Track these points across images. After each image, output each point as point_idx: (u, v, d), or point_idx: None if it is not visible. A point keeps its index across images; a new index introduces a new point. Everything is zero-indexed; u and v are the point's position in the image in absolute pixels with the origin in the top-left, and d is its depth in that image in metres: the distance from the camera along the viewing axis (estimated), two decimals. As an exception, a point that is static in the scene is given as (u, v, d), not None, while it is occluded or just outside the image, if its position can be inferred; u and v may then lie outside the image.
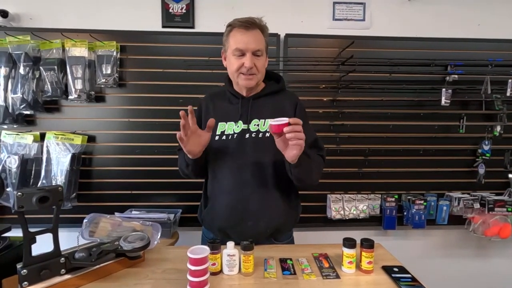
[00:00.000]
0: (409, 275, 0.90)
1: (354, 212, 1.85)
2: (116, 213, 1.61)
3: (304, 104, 1.15)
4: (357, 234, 1.88)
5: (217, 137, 1.07)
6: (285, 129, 0.84)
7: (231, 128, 1.07)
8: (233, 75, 1.06)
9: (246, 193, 1.05)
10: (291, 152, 0.90)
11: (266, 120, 1.06)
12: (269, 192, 1.07)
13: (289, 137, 0.86)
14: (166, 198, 1.84)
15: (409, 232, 1.97)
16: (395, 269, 0.93)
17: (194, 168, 1.06)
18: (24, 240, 0.73)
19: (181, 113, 0.89)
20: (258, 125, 1.07)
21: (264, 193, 1.06)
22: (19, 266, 0.73)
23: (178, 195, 1.84)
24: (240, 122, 1.07)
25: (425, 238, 1.99)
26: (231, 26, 1.04)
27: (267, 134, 1.06)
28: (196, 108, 1.14)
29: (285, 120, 0.85)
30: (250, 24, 1.01)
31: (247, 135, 1.06)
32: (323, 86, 1.84)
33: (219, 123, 1.08)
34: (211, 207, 1.11)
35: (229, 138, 1.07)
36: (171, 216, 1.65)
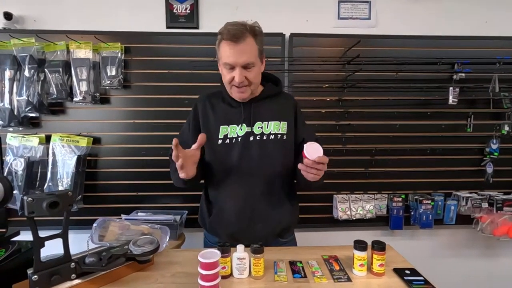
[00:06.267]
0: (421, 278, 0.89)
1: (361, 212, 1.83)
2: (122, 215, 1.62)
3: (301, 104, 1.19)
4: (364, 235, 1.89)
5: (220, 141, 1.06)
6: (305, 161, 0.90)
7: (234, 131, 1.07)
8: (226, 86, 1.05)
9: (254, 197, 1.06)
10: (309, 176, 0.94)
11: (269, 122, 1.07)
12: (275, 195, 1.08)
13: (308, 173, 0.92)
14: (171, 200, 1.84)
15: (416, 232, 1.96)
16: (407, 272, 0.92)
17: (192, 183, 1.05)
18: (34, 246, 0.73)
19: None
20: (261, 127, 1.07)
21: (271, 196, 1.07)
22: (29, 271, 0.73)
23: (184, 196, 1.83)
24: (244, 125, 1.06)
25: (433, 238, 1.98)
26: (221, 35, 0.98)
27: (271, 137, 1.06)
28: (191, 109, 1.15)
29: (318, 151, 0.89)
30: (239, 37, 0.94)
31: (252, 138, 1.06)
32: (327, 85, 1.82)
33: (221, 127, 1.07)
34: (218, 213, 1.09)
35: (233, 141, 1.06)
36: (177, 217, 1.64)
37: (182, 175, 0.92)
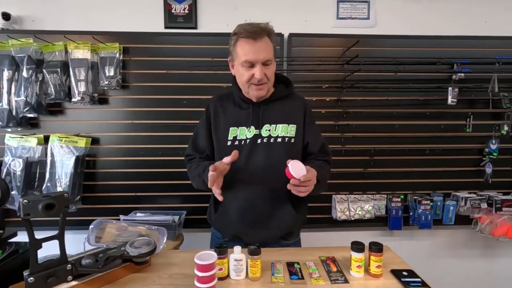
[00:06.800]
0: (418, 279, 0.88)
1: (360, 213, 1.83)
2: (121, 215, 1.61)
3: (310, 106, 1.17)
4: (363, 235, 1.89)
5: (229, 142, 1.08)
6: (292, 181, 0.92)
7: (243, 133, 1.08)
8: (244, 85, 1.05)
9: (257, 200, 1.07)
10: (300, 194, 0.96)
11: (277, 125, 1.08)
12: (279, 198, 1.08)
13: (292, 190, 0.94)
14: (170, 200, 1.83)
15: (415, 232, 1.95)
16: (404, 273, 0.92)
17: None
18: (30, 248, 0.73)
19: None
20: (269, 130, 1.08)
21: (275, 199, 1.08)
22: (25, 273, 0.73)
23: (183, 196, 1.83)
24: (252, 127, 1.08)
25: (432, 238, 1.97)
26: (237, 35, 1.01)
27: (279, 140, 1.08)
28: (204, 109, 1.16)
29: (302, 170, 0.92)
30: (258, 34, 0.98)
31: (259, 140, 1.07)
32: (326, 85, 1.82)
33: (231, 128, 1.09)
34: (222, 212, 1.11)
35: (242, 143, 1.07)
36: (176, 218, 1.64)
37: (220, 198, 0.95)
